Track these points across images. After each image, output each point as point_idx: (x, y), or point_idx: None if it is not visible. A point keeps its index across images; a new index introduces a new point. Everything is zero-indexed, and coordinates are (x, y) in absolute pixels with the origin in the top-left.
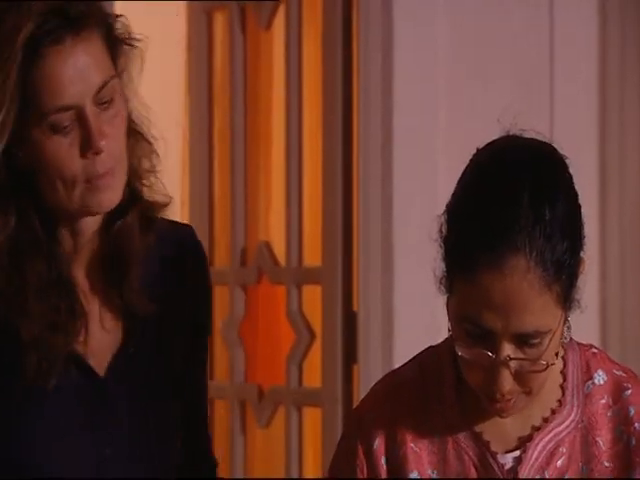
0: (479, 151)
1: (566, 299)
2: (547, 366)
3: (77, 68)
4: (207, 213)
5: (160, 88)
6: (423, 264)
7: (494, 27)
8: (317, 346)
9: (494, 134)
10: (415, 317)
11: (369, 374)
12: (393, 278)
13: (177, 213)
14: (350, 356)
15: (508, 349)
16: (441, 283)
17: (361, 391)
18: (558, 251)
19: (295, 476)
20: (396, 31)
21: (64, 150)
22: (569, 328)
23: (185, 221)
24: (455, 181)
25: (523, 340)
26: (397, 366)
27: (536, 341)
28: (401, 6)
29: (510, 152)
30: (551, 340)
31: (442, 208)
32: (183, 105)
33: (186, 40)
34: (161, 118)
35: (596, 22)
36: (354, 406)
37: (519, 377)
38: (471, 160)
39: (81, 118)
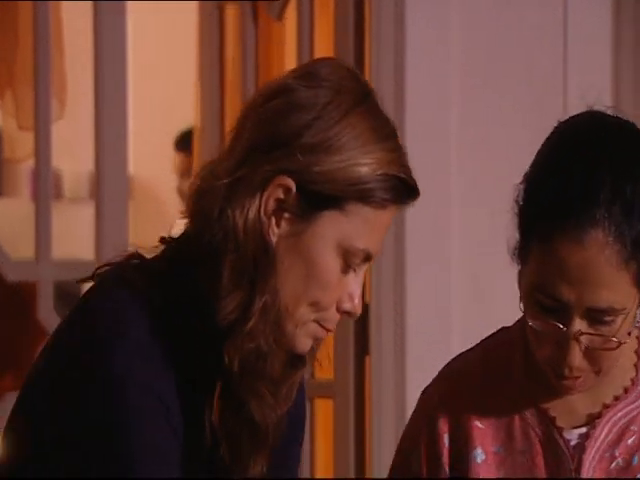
0: (561, 124)
1: None
2: (619, 345)
3: None
4: None
5: (173, 82)
6: (435, 257)
7: (507, 26)
8: (329, 338)
9: (506, 133)
10: (427, 309)
11: (381, 366)
12: (405, 270)
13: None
14: (362, 348)
15: (580, 324)
16: (514, 253)
17: (373, 383)
18: (636, 229)
19: (307, 467)
20: (408, 23)
21: None
22: None
23: None
24: (466, 179)
25: (596, 316)
26: (409, 358)
27: (609, 318)
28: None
29: (593, 127)
30: (625, 319)
31: (454, 204)
32: (195, 98)
33: (198, 33)
34: (174, 114)
35: (610, 21)
36: (365, 398)
37: (589, 354)
38: (553, 132)
39: None
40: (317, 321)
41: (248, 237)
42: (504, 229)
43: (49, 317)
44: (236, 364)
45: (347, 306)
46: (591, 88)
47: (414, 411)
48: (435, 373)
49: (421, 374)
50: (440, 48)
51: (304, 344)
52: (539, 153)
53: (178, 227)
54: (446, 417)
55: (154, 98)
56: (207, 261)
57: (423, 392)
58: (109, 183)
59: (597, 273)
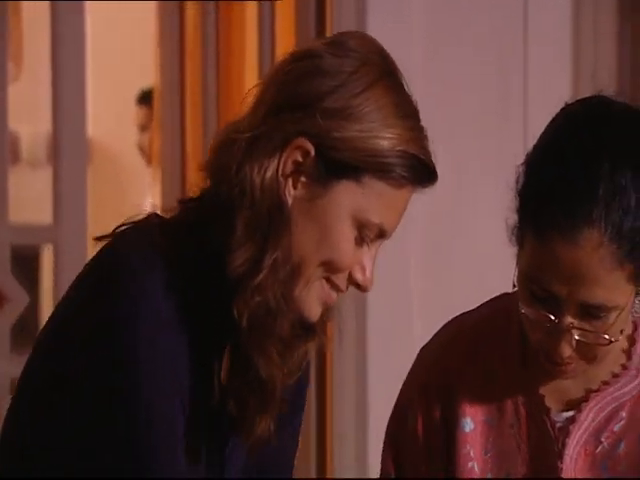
0: (568, 106)
1: (638, 277)
2: (609, 342)
3: None
4: (179, 173)
5: (133, 41)
6: (395, 237)
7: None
8: None
9: (466, 100)
10: (388, 293)
11: (342, 350)
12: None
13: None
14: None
15: (572, 317)
16: (513, 234)
17: (334, 366)
18: (635, 228)
19: None
20: (369, 7)
21: None
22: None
23: (157, 182)
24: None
25: (588, 311)
26: (369, 342)
27: (602, 314)
28: None
29: (598, 115)
30: (618, 316)
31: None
32: (155, 60)
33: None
34: (134, 73)
35: None
36: (326, 382)
37: (580, 346)
38: (558, 115)
39: None
40: (326, 279)
41: (264, 195)
42: (468, 203)
43: (6, 280)
44: (245, 320)
45: (358, 276)
46: (551, 53)
47: (410, 372)
48: (396, 360)
49: (382, 359)
50: (401, 30)
51: (313, 308)
52: (543, 135)
53: (148, 203)
54: (441, 382)
55: (113, 58)
56: (223, 215)
57: (421, 350)
58: (67, 146)
59: (590, 272)
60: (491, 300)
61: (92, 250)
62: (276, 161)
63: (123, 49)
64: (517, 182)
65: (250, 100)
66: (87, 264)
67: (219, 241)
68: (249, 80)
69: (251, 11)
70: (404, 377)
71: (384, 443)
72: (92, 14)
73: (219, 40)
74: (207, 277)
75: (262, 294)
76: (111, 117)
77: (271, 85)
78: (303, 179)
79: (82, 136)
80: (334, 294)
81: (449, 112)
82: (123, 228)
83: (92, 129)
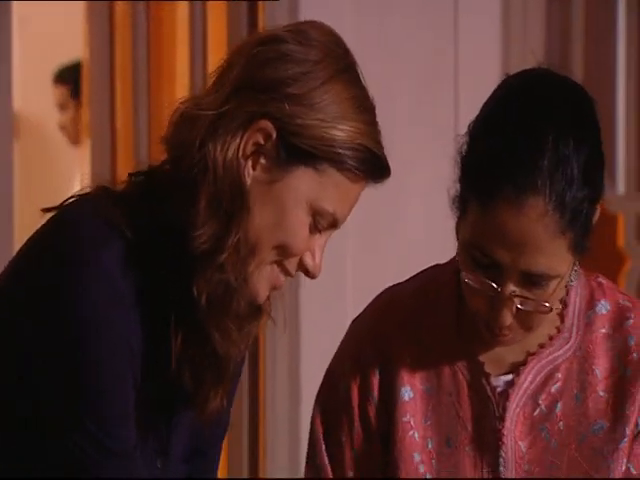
0: (510, 78)
1: (578, 246)
2: (550, 310)
3: None
4: (109, 149)
5: (60, 15)
6: None
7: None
8: None
9: (397, 71)
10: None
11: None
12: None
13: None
14: None
15: (514, 285)
16: (454, 203)
17: (267, 341)
18: (578, 197)
19: None
20: (302, 4)
21: None
22: (576, 272)
23: (86, 158)
24: None
25: (530, 280)
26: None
27: (543, 283)
28: None
29: (541, 87)
30: (558, 284)
31: None
32: (83, 32)
33: None
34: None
35: None
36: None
37: (520, 314)
38: (500, 86)
39: None
40: (277, 263)
41: (226, 173)
42: (400, 176)
43: None
44: (204, 297)
45: (309, 262)
46: (482, 20)
47: (343, 341)
48: (328, 336)
49: (315, 335)
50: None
51: (262, 289)
52: (485, 105)
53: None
54: (376, 348)
55: (39, 32)
56: (184, 190)
57: (353, 322)
58: None
59: (534, 240)
60: (422, 271)
61: (20, 226)
62: (238, 140)
63: (51, 24)
64: (460, 152)
65: (212, 78)
66: (34, 235)
67: (177, 215)
68: (180, 54)
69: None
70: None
71: (314, 409)
72: None
73: (149, 22)
74: (162, 251)
75: (224, 273)
76: (39, 93)
77: (236, 65)
78: (263, 161)
79: (8, 112)
80: (282, 278)
81: (380, 85)
82: (72, 199)
83: (20, 105)
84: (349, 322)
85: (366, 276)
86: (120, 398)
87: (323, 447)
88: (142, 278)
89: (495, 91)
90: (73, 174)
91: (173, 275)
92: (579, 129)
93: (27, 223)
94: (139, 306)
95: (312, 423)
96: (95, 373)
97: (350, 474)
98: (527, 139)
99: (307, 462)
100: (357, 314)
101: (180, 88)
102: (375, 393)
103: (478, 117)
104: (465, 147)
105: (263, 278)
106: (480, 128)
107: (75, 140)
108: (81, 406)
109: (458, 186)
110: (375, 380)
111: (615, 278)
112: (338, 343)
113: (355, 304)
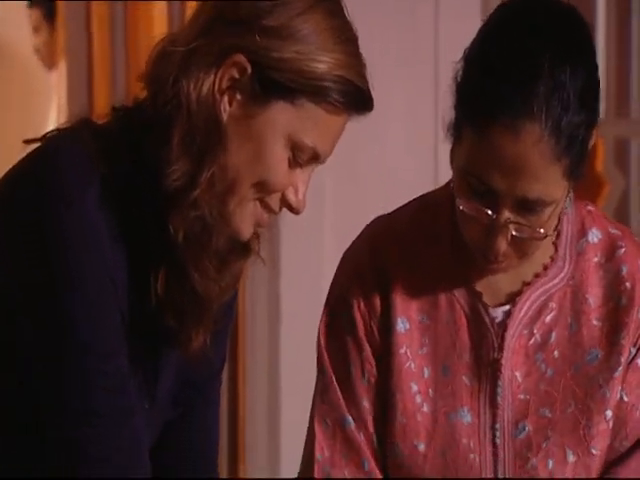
0: (505, 4)
1: (574, 172)
2: (545, 236)
3: None
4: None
5: None
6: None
7: None
8: None
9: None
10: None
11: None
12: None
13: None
14: None
15: (509, 212)
16: (449, 130)
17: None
18: (574, 123)
19: None
20: None
21: None
22: (570, 199)
23: (63, 82)
24: None
25: (525, 206)
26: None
27: (538, 209)
28: None
29: (536, 13)
30: (553, 210)
31: None
32: None
33: None
34: None
35: None
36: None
37: (515, 242)
38: (495, 12)
39: None
40: (259, 201)
41: (200, 109)
42: (379, 105)
43: None
44: (180, 235)
45: (291, 197)
46: None
47: (338, 272)
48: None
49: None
50: None
51: (245, 227)
52: (480, 32)
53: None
54: (372, 277)
55: None
56: (158, 127)
57: (347, 253)
58: None
59: (530, 165)
60: (415, 199)
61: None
62: (212, 76)
63: None
64: (455, 79)
65: (190, 15)
66: (16, 169)
67: (153, 153)
68: None
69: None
70: (316, 296)
71: (318, 343)
72: None
73: None
74: (142, 191)
75: (198, 209)
76: (15, 17)
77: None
78: (239, 97)
79: None
80: (266, 216)
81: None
82: (55, 133)
83: None
84: (328, 256)
85: (346, 209)
86: (113, 331)
87: (334, 380)
88: (122, 216)
89: (490, 17)
90: (50, 99)
91: (151, 213)
92: (575, 54)
93: (2, 151)
94: (121, 245)
95: (319, 357)
96: (84, 311)
97: (364, 404)
98: (523, 65)
99: (317, 400)
100: (336, 248)
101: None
102: (378, 313)
103: (473, 43)
104: (460, 73)
105: (246, 215)
106: (476, 54)
107: (50, 64)
108: (74, 340)
109: (453, 113)
110: (377, 302)
111: (594, 203)
112: (317, 277)
113: (334, 237)
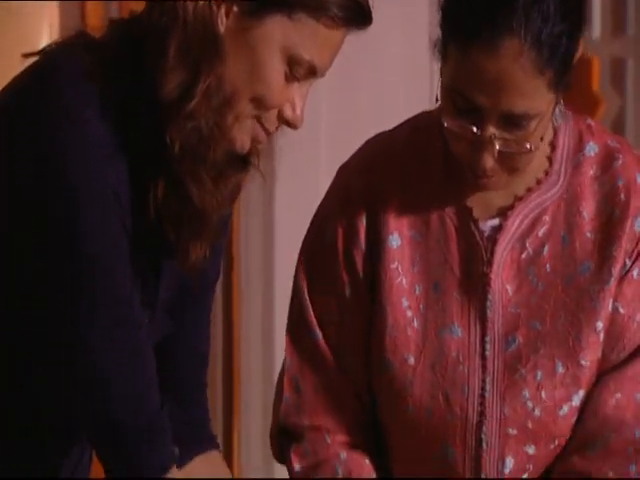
0: None
1: (559, 83)
2: (531, 150)
3: None
4: None
5: None
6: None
7: None
8: None
9: None
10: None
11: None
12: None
13: None
14: None
15: (494, 128)
16: (435, 47)
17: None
18: (554, 33)
19: None
20: None
21: None
22: (561, 111)
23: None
24: None
25: (510, 121)
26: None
27: (523, 123)
28: None
29: None
30: (539, 124)
31: None
32: None
33: None
34: None
35: None
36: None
37: (503, 157)
38: None
39: None
40: (257, 118)
41: (196, 20)
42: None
43: None
44: (177, 146)
45: (288, 113)
46: None
47: (331, 187)
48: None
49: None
50: None
51: (242, 140)
52: None
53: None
54: (364, 195)
55: None
56: (154, 38)
57: (342, 168)
58: None
59: (512, 81)
60: (411, 119)
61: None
62: None
63: None
64: None
65: None
66: (14, 84)
67: (149, 64)
68: None
69: None
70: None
71: (298, 260)
72: None
73: None
74: (140, 103)
75: (195, 120)
76: None
77: None
78: (235, 9)
79: None
80: (264, 133)
81: None
82: (53, 47)
83: None
84: (323, 178)
85: (340, 128)
86: (119, 243)
87: (307, 300)
88: (121, 129)
89: None
90: (41, 26)
91: (149, 125)
92: None
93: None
94: (121, 159)
95: (295, 275)
96: (90, 223)
97: (334, 327)
98: None
99: (291, 319)
100: (332, 169)
101: None
102: (362, 239)
103: None
104: None
105: (243, 130)
106: None
107: None
108: (83, 252)
109: (439, 31)
110: (362, 226)
111: None
112: (311, 199)
113: (329, 158)
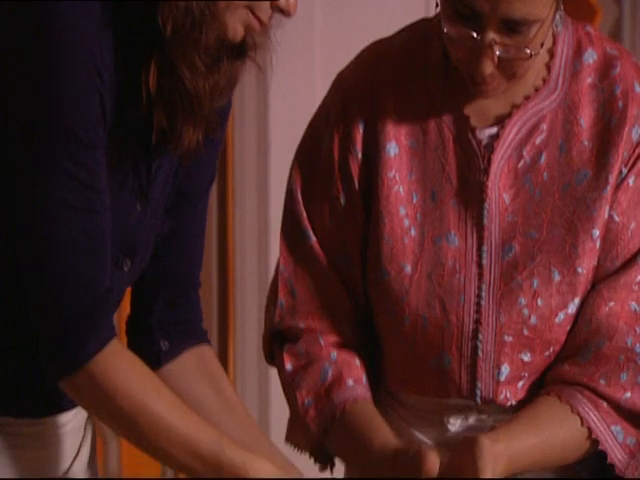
0: None
1: None
2: (530, 56)
3: None
4: None
5: None
6: None
7: None
8: None
9: None
10: None
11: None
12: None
13: None
14: None
15: (493, 33)
16: None
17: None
18: None
19: None
20: None
21: None
22: (561, 17)
23: None
24: None
25: (510, 26)
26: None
27: (523, 28)
28: None
29: None
30: (539, 29)
31: None
32: None
33: None
34: None
35: None
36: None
37: (502, 63)
38: None
39: None
40: (250, 8)
41: None
42: None
43: None
44: (169, 28)
45: (282, 2)
46: None
47: (328, 94)
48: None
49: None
50: None
51: (235, 27)
52: None
53: None
54: (362, 103)
55: None
56: None
57: (340, 75)
58: None
59: None
60: (410, 26)
61: None
62: None
63: None
64: None
65: None
66: None
67: None
68: None
69: None
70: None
71: (292, 165)
72: None
73: None
74: None
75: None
76: None
77: None
78: None
79: None
80: (257, 22)
81: None
82: None
83: None
84: (318, 87)
85: (335, 40)
86: (96, 124)
87: (302, 204)
88: (112, 11)
89: None
90: None
91: (141, 7)
92: None
93: None
94: (111, 43)
95: (289, 180)
96: (71, 99)
97: (326, 232)
98: None
99: (285, 224)
100: (326, 75)
101: None
102: (358, 147)
103: None
104: None
105: (236, 17)
106: None
107: None
108: (59, 125)
109: None
110: (359, 135)
111: None
112: (306, 108)
113: (324, 65)
